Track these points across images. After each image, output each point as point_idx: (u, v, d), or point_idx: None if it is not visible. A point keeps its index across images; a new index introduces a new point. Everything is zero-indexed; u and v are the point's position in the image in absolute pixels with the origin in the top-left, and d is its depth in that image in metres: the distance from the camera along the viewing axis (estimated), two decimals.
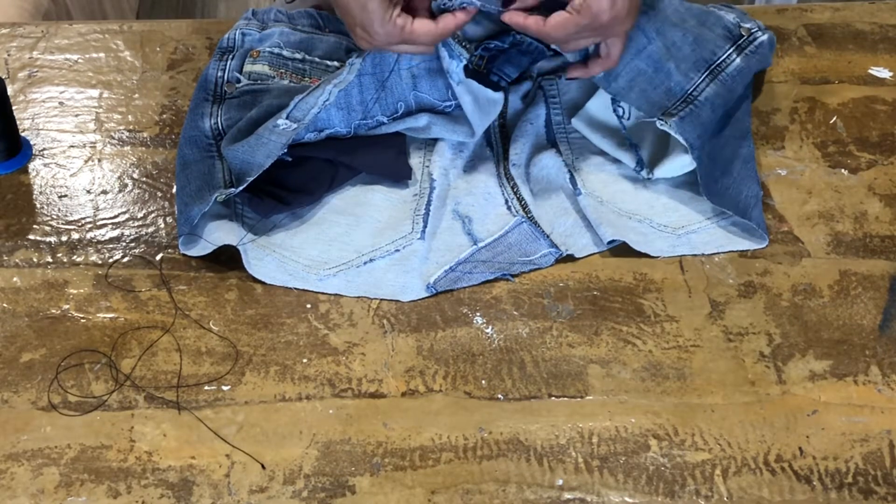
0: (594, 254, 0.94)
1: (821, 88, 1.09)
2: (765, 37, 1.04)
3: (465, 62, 0.96)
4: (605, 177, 0.99)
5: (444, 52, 0.95)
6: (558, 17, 0.88)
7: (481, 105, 0.97)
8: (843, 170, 1.02)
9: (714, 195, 0.95)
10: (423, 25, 0.88)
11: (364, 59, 0.95)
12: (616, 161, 1.00)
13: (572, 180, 0.98)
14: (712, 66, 1.00)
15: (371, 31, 0.88)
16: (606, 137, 1.00)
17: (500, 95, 0.98)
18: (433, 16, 0.90)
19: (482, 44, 0.96)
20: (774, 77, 1.10)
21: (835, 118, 1.07)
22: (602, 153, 1.00)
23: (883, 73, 1.11)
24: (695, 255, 0.94)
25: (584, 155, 1.01)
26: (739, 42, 1.03)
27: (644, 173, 0.98)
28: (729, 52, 1.02)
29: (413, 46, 0.90)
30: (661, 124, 0.95)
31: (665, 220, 0.96)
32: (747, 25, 1.05)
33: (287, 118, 0.93)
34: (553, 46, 0.95)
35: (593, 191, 0.97)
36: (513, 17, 0.90)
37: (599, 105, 1.01)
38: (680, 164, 0.96)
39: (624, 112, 1.01)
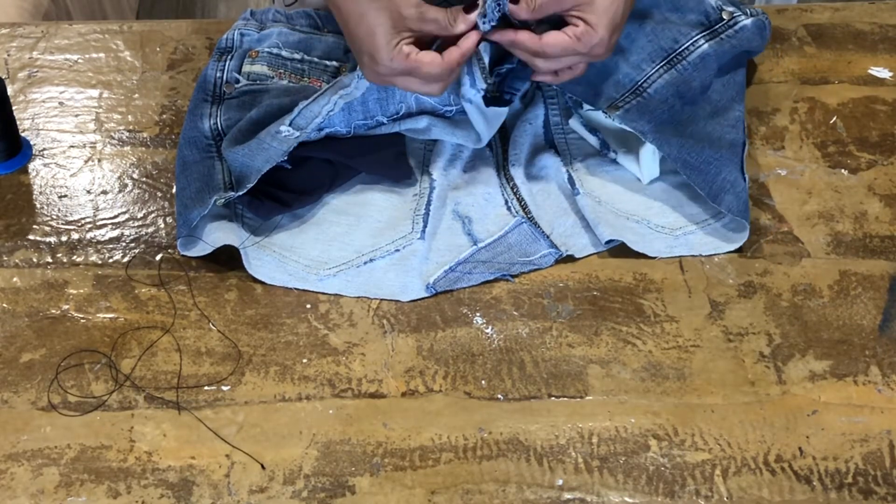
0: (594, 254, 0.94)
1: (821, 88, 1.09)
2: (748, 21, 1.03)
3: (483, 93, 0.95)
4: (603, 177, 0.99)
5: (466, 80, 0.94)
6: (556, 36, 0.88)
7: (489, 119, 0.98)
8: (843, 170, 1.02)
9: (689, 167, 0.93)
10: (428, 55, 0.87)
11: None
12: (613, 161, 1.00)
13: (570, 180, 0.98)
14: (671, 56, 0.99)
15: (377, 58, 0.86)
16: (604, 138, 1.00)
17: (506, 108, 0.98)
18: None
19: (493, 70, 0.96)
20: (774, 77, 1.10)
21: (835, 118, 1.06)
22: (600, 153, 1.00)
23: (883, 73, 1.11)
24: (693, 256, 0.94)
25: (582, 155, 1.01)
26: (716, 27, 1.02)
27: (612, 155, 0.99)
28: (695, 39, 1.01)
29: (418, 81, 0.88)
30: (606, 116, 0.96)
31: (662, 220, 0.96)
32: (730, 9, 1.03)
33: (290, 125, 0.93)
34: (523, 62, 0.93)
35: (591, 191, 0.98)
36: (504, 36, 0.89)
37: (598, 114, 1.01)
38: (651, 151, 0.97)
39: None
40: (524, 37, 0.88)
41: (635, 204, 0.97)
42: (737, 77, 1.04)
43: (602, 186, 0.98)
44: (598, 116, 1.01)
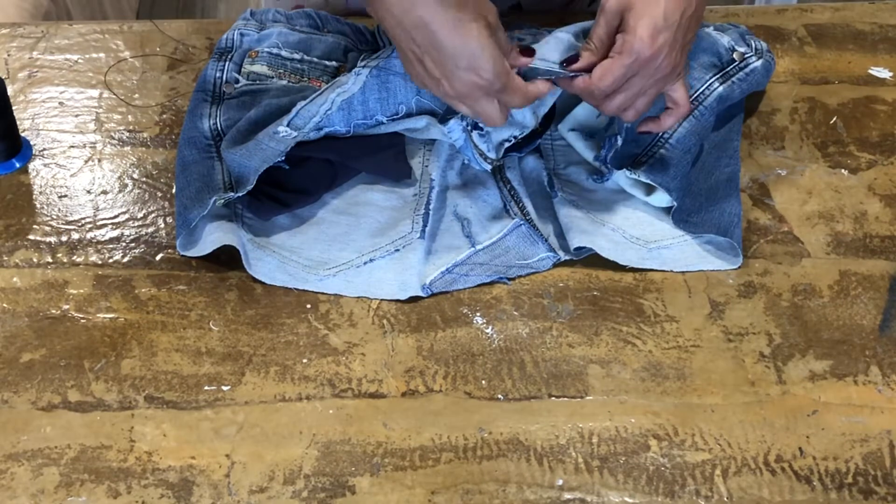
0: (594, 253, 0.94)
1: (821, 88, 1.09)
2: (758, 63, 1.02)
3: (486, 169, 0.97)
4: (583, 184, 0.98)
5: (472, 161, 0.97)
6: (602, 66, 0.86)
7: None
8: (843, 170, 1.02)
9: (690, 226, 0.94)
10: (518, 80, 0.86)
11: (370, 72, 0.95)
12: (597, 171, 0.99)
13: (550, 183, 0.98)
14: None
15: (479, 72, 0.83)
16: (589, 147, 0.99)
17: None
18: None
19: (507, 156, 0.98)
20: (774, 77, 1.10)
21: (835, 118, 1.06)
22: (585, 162, 1.00)
23: (883, 73, 1.11)
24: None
25: (565, 162, 1.00)
26: (728, 69, 1.01)
27: (605, 168, 0.97)
28: (710, 83, 1.00)
29: (491, 108, 0.86)
30: (630, 174, 0.94)
31: (638, 232, 0.95)
32: (741, 50, 1.02)
33: (288, 125, 0.93)
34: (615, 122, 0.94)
35: (570, 194, 0.97)
36: (562, 83, 0.89)
37: (587, 113, 1.00)
38: (660, 199, 0.96)
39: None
40: (578, 81, 0.88)
41: (613, 212, 0.96)
42: (734, 111, 1.04)
43: (581, 193, 0.97)
44: (586, 124, 1.00)
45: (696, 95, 0.99)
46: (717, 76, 1.01)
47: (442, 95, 0.88)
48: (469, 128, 0.95)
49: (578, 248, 0.93)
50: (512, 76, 0.86)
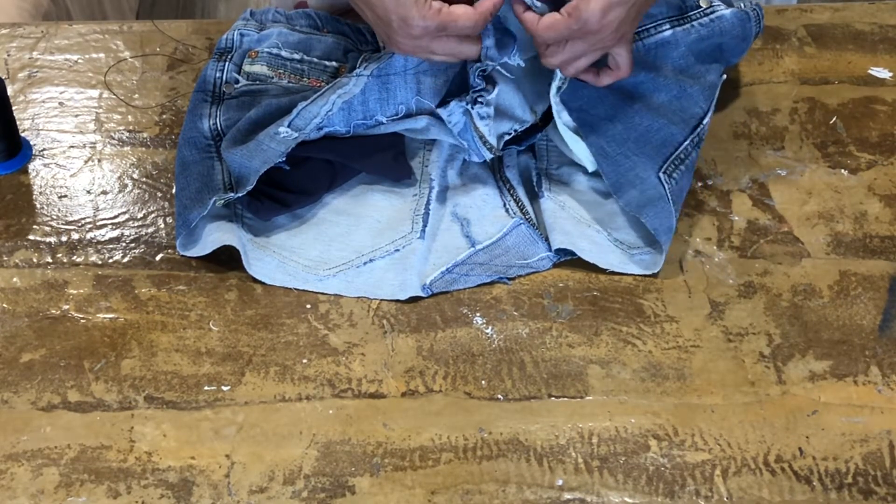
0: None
1: (821, 88, 1.09)
2: (726, 11, 1.00)
3: (486, 158, 0.97)
4: (573, 185, 0.98)
5: (471, 155, 0.97)
6: (550, 17, 0.86)
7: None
8: (843, 170, 1.02)
9: (604, 155, 0.92)
10: (460, 8, 0.84)
11: (371, 73, 0.95)
12: (588, 174, 0.98)
13: (538, 182, 0.97)
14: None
15: (409, 20, 0.83)
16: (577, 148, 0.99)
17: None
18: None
19: (506, 148, 0.98)
20: (774, 77, 1.10)
21: (835, 118, 1.07)
22: (577, 164, 0.99)
23: (883, 73, 1.11)
24: (689, 261, 0.93)
25: (559, 162, 1.00)
26: (689, 14, 0.99)
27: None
28: (660, 22, 0.98)
29: (455, 40, 0.86)
30: (559, 79, 0.93)
31: (622, 236, 0.94)
32: None
33: (289, 126, 0.93)
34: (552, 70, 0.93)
35: (557, 194, 0.97)
36: (517, 7, 0.88)
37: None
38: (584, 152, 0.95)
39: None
40: (528, 16, 0.87)
41: (599, 214, 0.96)
42: (709, 75, 1.00)
43: (570, 193, 0.97)
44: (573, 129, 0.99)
45: (638, 30, 0.97)
46: (671, 18, 0.99)
47: (406, 54, 0.89)
48: (470, 105, 0.94)
49: (560, 250, 0.93)
50: (447, 11, 0.84)
